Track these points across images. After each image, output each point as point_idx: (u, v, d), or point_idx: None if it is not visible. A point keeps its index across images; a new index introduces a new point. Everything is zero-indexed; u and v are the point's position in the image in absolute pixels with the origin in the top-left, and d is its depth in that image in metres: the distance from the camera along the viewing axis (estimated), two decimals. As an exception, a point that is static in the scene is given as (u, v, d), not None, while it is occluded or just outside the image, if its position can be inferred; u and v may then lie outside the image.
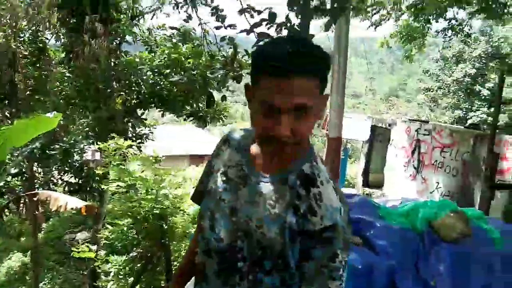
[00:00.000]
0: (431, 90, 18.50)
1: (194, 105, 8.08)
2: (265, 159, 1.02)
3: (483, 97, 15.63)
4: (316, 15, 3.27)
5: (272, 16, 2.66)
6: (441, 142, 8.11)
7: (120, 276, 4.15)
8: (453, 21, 8.16)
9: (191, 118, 8.55)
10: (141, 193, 4.17)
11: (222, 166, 1.09)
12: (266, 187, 0.99)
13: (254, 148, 1.05)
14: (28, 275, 9.23)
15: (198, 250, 1.12)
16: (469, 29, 8.85)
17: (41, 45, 7.96)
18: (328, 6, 2.97)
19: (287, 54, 0.88)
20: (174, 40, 7.23)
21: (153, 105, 8.01)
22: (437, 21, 7.78)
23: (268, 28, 2.78)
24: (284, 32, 2.85)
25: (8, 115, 7.86)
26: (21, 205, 6.39)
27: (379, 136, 10.21)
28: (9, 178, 7.78)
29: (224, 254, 1.02)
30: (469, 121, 15.28)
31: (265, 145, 1.01)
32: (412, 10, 7.34)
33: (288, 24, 2.78)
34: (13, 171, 7.26)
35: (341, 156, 5.77)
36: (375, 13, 7.78)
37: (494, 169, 6.09)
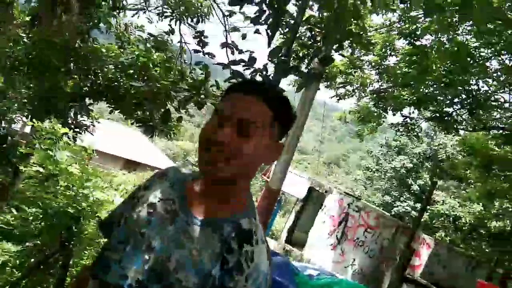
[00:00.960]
0: (370, 169, 19.66)
1: (147, 113, 7.84)
2: (201, 200, 0.96)
3: (412, 191, 16.84)
4: (292, 74, 3.39)
5: (252, 60, 2.72)
6: (367, 223, 8.51)
7: (7, 268, 3.73)
8: (408, 120, 8.87)
9: (139, 124, 8.27)
10: (61, 186, 3.87)
11: (152, 197, 0.99)
12: (195, 230, 0.92)
13: (192, 187, 0.99)
14: None
15: (91, 280, 0.97)
16: (419, 131, 9.67)
17: (8, 0, 7.45)
18: (304, 69, 3.10)
19: (248, 81, 1.08)
20: (148, 45, 7.08)
21: (104, 99, 7.67)
22: (394, 114, 8.41)
23: (244, 70, 2.83)
24: (258, 78, 2.91)
25: None
26: None
27: (314, 199, 10.51)
28: None
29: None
30: (395, 209, 16.31)
31: (203, 183, 0.96)
32: (374, 96, 7.90)
33: (264, 72, 2.84)
34: None
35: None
36: (341, 87, 8.26)
37: (407, 263, 6.44)
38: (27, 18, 7.41)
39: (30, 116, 7.11)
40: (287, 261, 2.53)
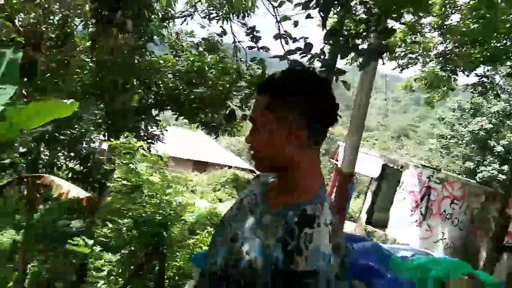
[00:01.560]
0: (444, 137, 18.43)
1: (209, 115, 8.07)
2: (274, 193, 1.07)
3: (496, 153, 15.52)
4: (353, 54, 3.25)
5: (308, 46, 2.65)
6: (452, 194, 8.02)
7: (111, 277, 4.06)
8: (484, 79, 8.13)
9: (203, 126, 8.55)
10: (145, 196, 4.11)
11: (242, 195, 1.16)
12: (267, 219, 1.02)
13: (272, 183, 1.11)
14: (17, 254, 9.11)
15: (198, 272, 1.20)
16: (499, 89, 8.85)
17: (68, 30, 8.03)
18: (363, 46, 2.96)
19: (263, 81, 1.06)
20: (200, 49, 7.26)
21: (168, 107, 8.01)
22: (467, 75, 7.77)
23: (301, 57, 2.77)
24: (317, 64, 2.83)
25: (25, 94, 7.90)
26: (23, 185, 6.38)
27: (389, 177, 10.12)
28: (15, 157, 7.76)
29: (215, 278, 1.03)
30: (479, 175, 15.16)
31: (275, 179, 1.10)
32: (440, 59, 7.35)
33: (322, 57, 2.76)
34: (21, 149, 7.24)
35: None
36: (403, 56, 7.80)
37: (504, 230, 5.96)
38: (88, 43, 7.96)
39: (106, 134, 7.66)
40: (378, 245, 2.45)
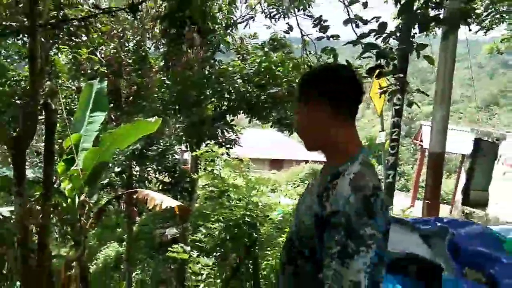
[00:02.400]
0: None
1: (282, 112, 8.10)
2: (325, 167, 1.27)
3: None
4: (433, 25, 3.03)
5: (382, 26, 2.51)
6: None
7: (209, 279, 4.26)
8: None
9: (276, 124, 8.60)
10: (233, 200, 4.25)
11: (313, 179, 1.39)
12: (315, 186, 1.22)
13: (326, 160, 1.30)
14: (122, 264, 10.02)
15: None
16: None
17: (143, 54, 8.63)
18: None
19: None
20: (266, 49, 7.32)
21: (241, 111, 8.20)
22: None
23: (376, 39, 2.64)
24: (392, 42, 2.69)
25: (113, 117, 8.64)
26: (121, 201, 6.97)
27: (484, 151, 9.24)
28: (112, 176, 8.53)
29: (286, 245, 1.25)
30: None
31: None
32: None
33: (398, 34, 2.61)
34: (116, 169, 7.94)
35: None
36: (486, 17, 7.06)
37: None
38: (162, 63, 8.47)
39: (188, 145, 8.07)
40: (487, 228, 2.25)
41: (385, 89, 4.20)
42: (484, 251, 2.06)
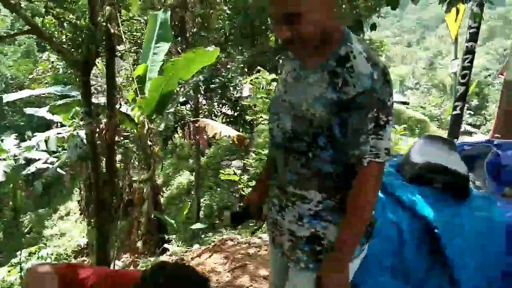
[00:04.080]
0: None
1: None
2: (310, 59, 1.16)
3: None
4: None
5: None
6: None
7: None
8: None
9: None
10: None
11: (284, 74, 1.27)
12: (312, 78, 1.14)
13: (303, 54, 1.17)
14: (192, 191, 10.85)
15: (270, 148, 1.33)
16: None
17: (207, -16, 8.53)
18: None
19: None
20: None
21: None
22: None
23: None
24: None
25: (180, 50, 8.88)
26: (186, 129, 7.37)
27: None
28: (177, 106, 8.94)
29: (289, 142, 1.17)
30: None
31: (301, 48, 1.13)
32: None
33: None
34: (181, 99, 8.31)
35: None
36: None
37: None
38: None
39: (246, 75, 8.09)
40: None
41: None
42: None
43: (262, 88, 4.34)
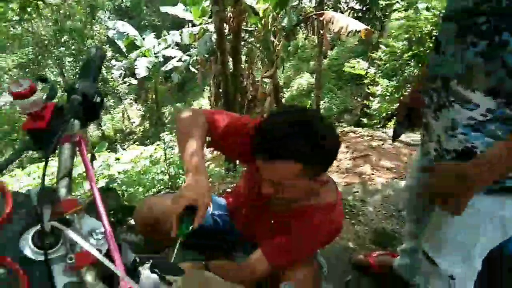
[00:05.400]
0: None
1: None
2: None
3: None
4: None
5: None
6: None
7: (386, 97, 4.19)
8: None
9: None
10: (419, 13, 3.74)
11: None
12: None
13: None
14: (312, 93, 10.78)
15: None
16: None
17: None
18: None
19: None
20: None
21: None
22: None
23: None
24: None
25: None
26: (309, 24, 7.05)
27: None
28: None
29: None
30: None
31: None
32: None
33: None
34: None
35: None
36: None
37: None
38: None
39: None
40: None
41: None
42: None
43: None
